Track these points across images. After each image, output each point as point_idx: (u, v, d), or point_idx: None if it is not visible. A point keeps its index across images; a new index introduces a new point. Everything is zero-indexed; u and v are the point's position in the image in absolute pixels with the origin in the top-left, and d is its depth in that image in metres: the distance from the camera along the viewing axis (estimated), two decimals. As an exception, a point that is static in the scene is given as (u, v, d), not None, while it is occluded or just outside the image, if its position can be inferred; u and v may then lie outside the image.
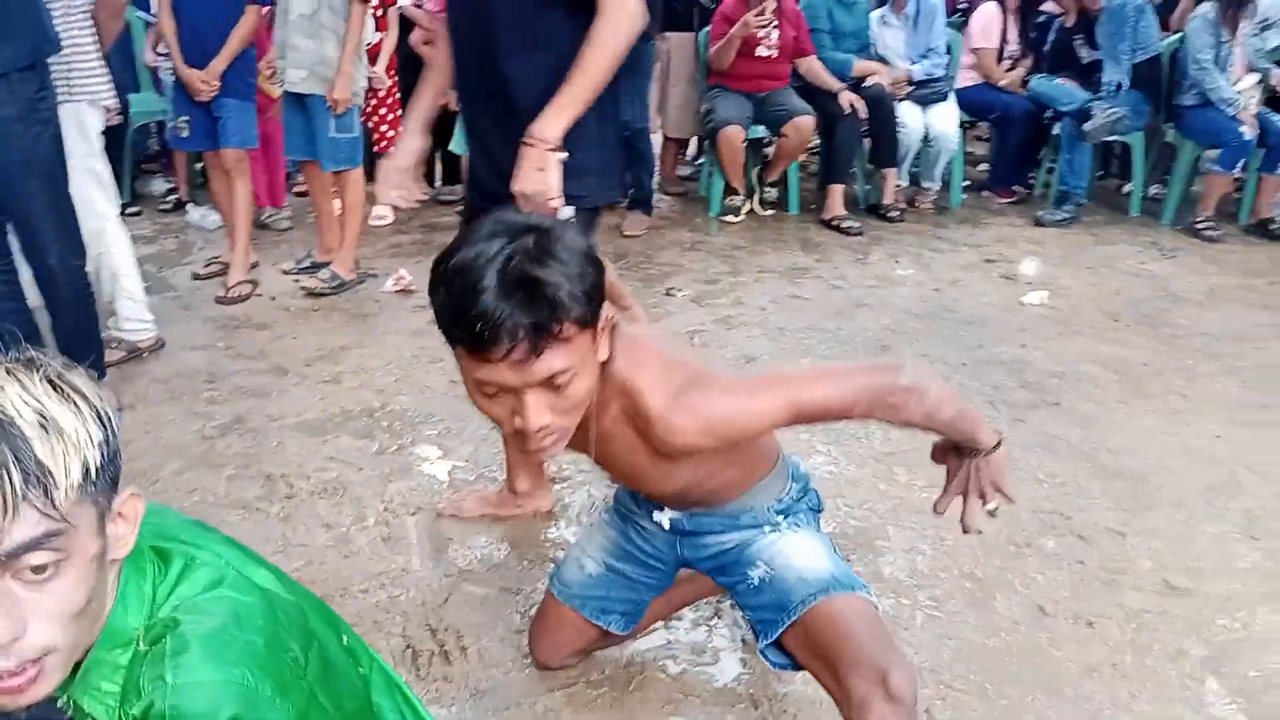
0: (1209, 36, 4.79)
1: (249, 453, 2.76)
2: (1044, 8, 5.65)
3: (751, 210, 5.20)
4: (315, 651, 1.07)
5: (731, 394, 1.32)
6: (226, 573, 1.05)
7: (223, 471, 2.66)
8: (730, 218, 5.06)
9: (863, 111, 4.99)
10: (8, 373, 0.87)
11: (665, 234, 4.86)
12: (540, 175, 1.84)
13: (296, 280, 4.05)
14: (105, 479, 0.89)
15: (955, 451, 1.50)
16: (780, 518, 1.59)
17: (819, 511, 1.68)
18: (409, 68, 4.80)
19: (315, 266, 4.04)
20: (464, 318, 1.12)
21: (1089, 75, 5.20)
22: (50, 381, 0.88)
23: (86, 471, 0.86)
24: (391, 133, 4.76)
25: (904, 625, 2.10)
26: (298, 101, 3.77)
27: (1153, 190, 5.51)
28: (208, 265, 4.16)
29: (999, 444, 1.46)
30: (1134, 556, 2.38)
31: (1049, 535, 2.46)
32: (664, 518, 1.65)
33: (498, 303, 1.11)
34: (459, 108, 2.18)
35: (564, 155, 1.86)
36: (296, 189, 5.31)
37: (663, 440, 1.32)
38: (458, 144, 4.55)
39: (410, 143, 2.18)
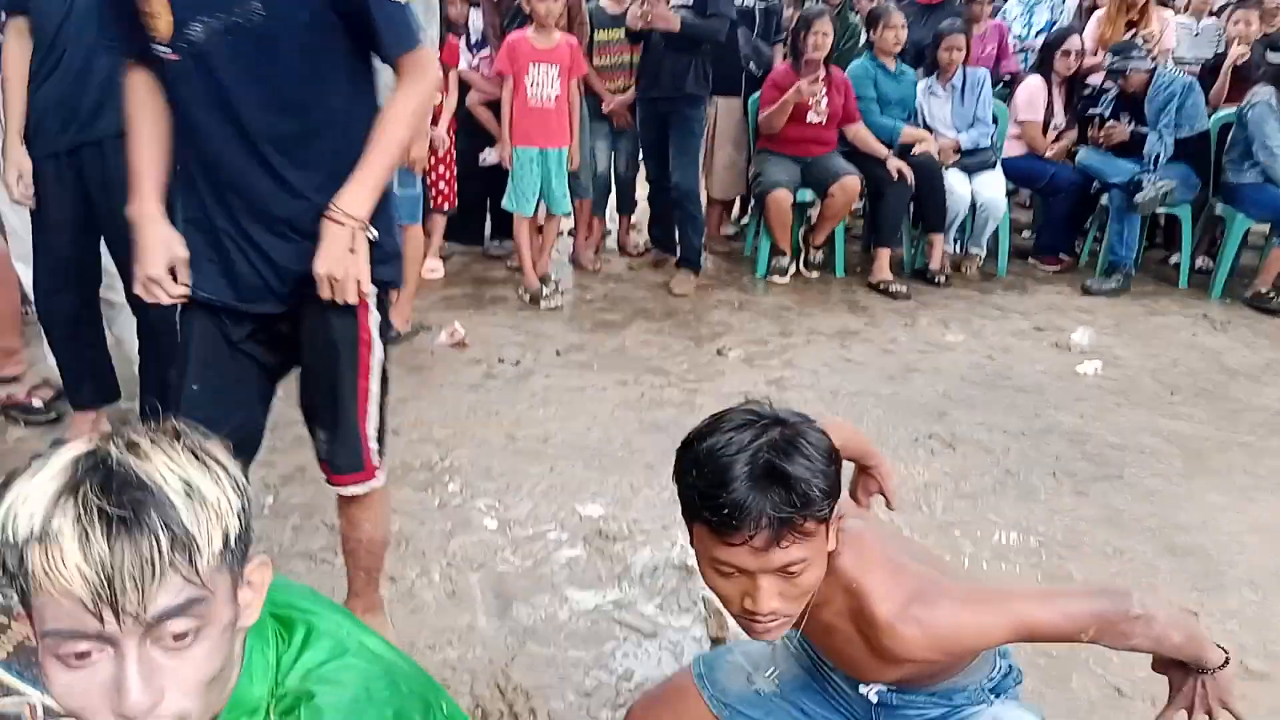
0: (1274, 121, 4.82)
1: (312, 503, 2.77)
2: (1090, 80, 5.70)
3: (798, 272, 5.22)
4: None
5: (960, 609, 1.32)
6: (349, 642, 1.05)
7: (288, 521, 2.67)
8: (777, 278, 5.08)
9: (910, 178, 5.04)
10: (153, 442, 0.89)
11: (713, 293, 4.89)
12: (351, 257, 1.71)
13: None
14: (241, 546, 0.91)
15: (1179, 666, 1.44)
16: (992, 695, 1.53)
17: (1019, 684, 1.60)
18: (464, 129, 4.91)
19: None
20: (713, 502, 1.17)
21: (1133, 149, 5.23)
22: (193, 451, 0.90)
23: (227, 539, 0.88)
24: (447, 189, 4.84)
25: (980, 702, 2.06)
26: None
27: (1199, 262, 5.50)
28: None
29: (1226, 661, 1.41)
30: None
31: (1121, 612, 2.41)
32: (870, 692, 1.52)
33: (748, 492, 1.16)
34: (181, 197, 1.82)
35: (374, 234, 1.75)
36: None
37: (886, 647, 1.32)
38: (509, 201, 4.61)
39: (163, 230, 1.77)
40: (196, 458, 0.89)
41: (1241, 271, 5.17)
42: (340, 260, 1.70)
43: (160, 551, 0.82)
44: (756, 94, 5.24)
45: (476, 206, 5.24)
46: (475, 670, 2.12)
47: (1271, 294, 4.94)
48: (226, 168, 1.74)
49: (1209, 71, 5.59)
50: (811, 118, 5.04)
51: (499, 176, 4.86)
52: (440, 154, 4.67)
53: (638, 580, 2.48)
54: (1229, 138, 5.10)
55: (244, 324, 1.85)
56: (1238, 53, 5.39)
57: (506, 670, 2.13)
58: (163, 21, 1.65)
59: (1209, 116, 5.22)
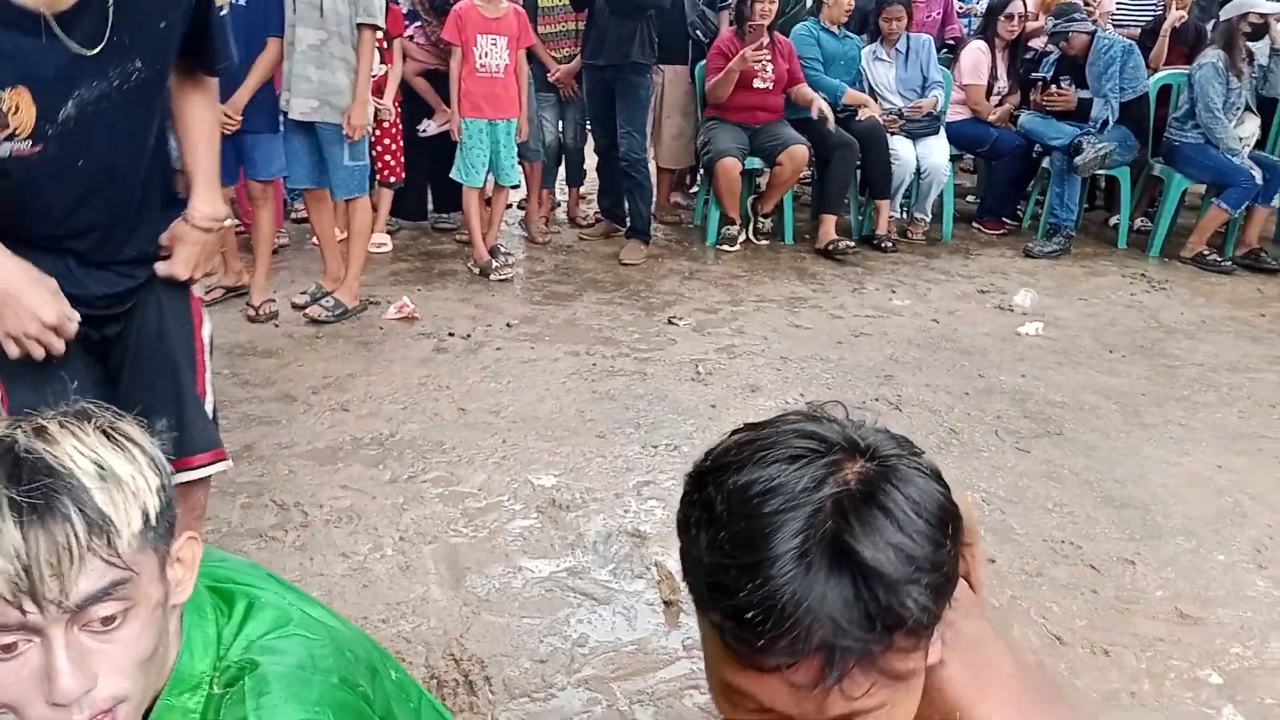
0: (1219, 84, 4.92)
1: (260, 481, 2.75)
2: (1032, 44, 5.77)
3: (747, 240, 5.25)
4: (379, 687, 1.08)
5: None
6: (293, 612, 1.06)
7: (236, 500, 2.65)
8: (727, 247, 5.10)
9: (833, 125, 5.07)
10: (61, 425, 0.87)
11: (664, 263, 4.90)
12: (216, 260, 1.85)
13: (300, 309, 4.04)
14: (164, 524, 0.90)
15: None
16: None
17: None
18: (405, 99, 4.85)
19: (325, 295, 4.04)
20: (733, 594, 0.70)
21: (1074, 113, 5.31)
22: (104, 431, 0.89)
23: (146, 518, 0.87)
24: (394, 162, 4.78)
25: (926, 654, 2.12)
26: (304, 131, 3.79)
27: (1137, 223, 5.62)
28: (210, 291, 4.15)
29: None
30: (1146, 585, 2.41)
31: (1061, 564, 2.49)
32: None
33: (796, 587, 0.69)
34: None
35: (239, 225, 1.88)
36: (295, 216, 5.32)
37: None
38: (457, 172, 4.57)
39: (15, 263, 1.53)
40: (108, 438, 0.88)
41: (1179, 231, 5.30)
42: (206, 261, 1.79)
43: (76, 536, 0.81)
44: (703, 62, 5.23)
45: (418, 179, 5.18)
46: (430, 642, 2.13)
47: (1208, 253, 5.08)
48: (68, 232, 1.62)
49: (1148, 34, 5.69)
50: (758, 84, 5.05)
51: (440, 149, 4.81)
52: (386, 126, 4.62)
53: (591, 548, 2.50)
54: (1177, 98, 5.20)
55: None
56: (1176, 16, 5.49)
57: (461, 640, 2.14)
58: (25, 115, 1.46)
59: (1148, 79, 5.31)
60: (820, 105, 5.06)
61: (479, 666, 2.05)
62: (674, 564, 2.29)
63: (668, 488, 2.78)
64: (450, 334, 3.89)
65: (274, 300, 4.05)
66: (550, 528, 2.58)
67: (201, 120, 1.79)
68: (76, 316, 1.58)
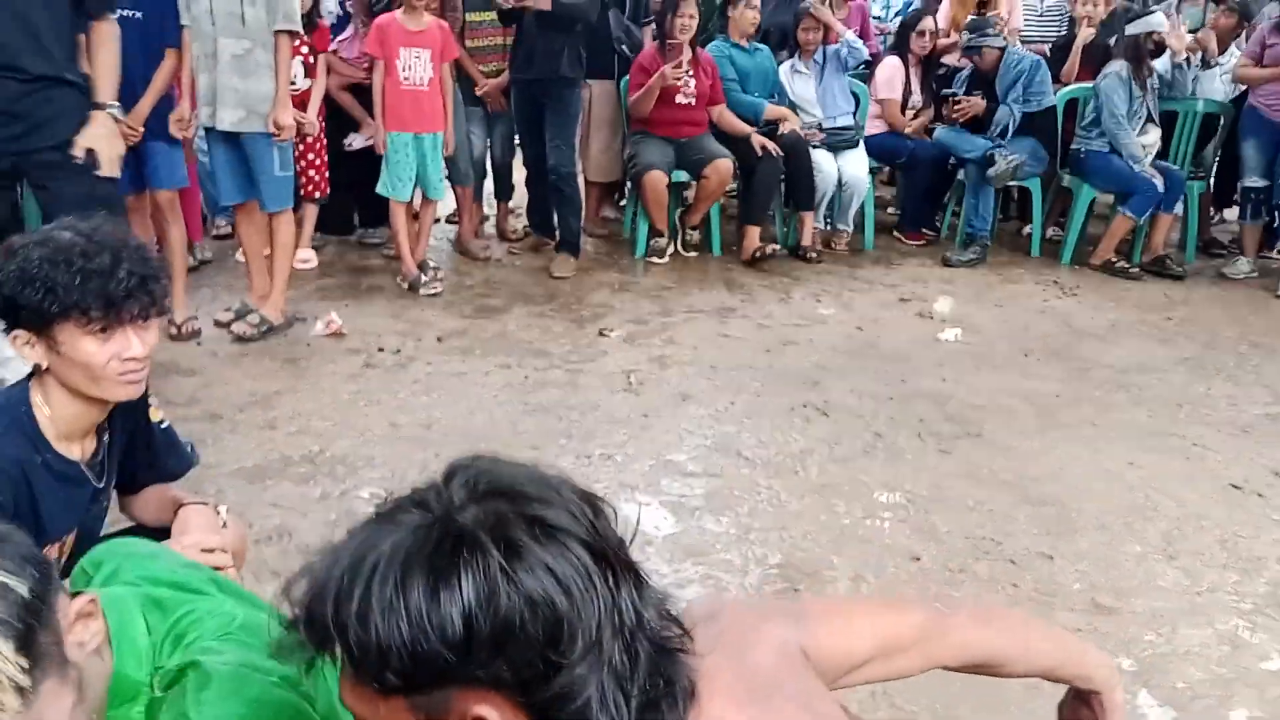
0: (1123, 93, 5.14)
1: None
2: (944, 60, 5.96)
3: (676, 252, 5.31)
4: (321, 686, 1.08)
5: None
6: (235, 613, 1.06)
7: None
8: (656, 259, 5.15)
9: (775, 152, 5.17)
10: None
11: (594, 275, 4.93)
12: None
13: (224, 325, 3.96)
14: (42, 643, 0.86)
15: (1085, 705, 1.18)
16: None
17: None
18: (330, 114, 4.81)
19: (250, 312, 3.97)
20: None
21: (986, 125, 5.50)
22: None
23: (19, 690, 0.83)
24: (318, 177, 4.73)
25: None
26: (230, 144, 3.73)
27: (1049, 232, 5.83)
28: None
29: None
30: (1063, 579, 2.51)
31: (982, 560, 2.58)
32: None
33: None
34: None
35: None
36: (216, 233, 5.22)
37: None
38: (384, 186, 4.54)
39: None
40: None
41: (1090, 240, 5.51)
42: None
43: None
44: (627, 77, 5.29)
45: (343, 194, 5.12)
46: (365, 657, 2.11)
47: (1116, 260, 5.29)
48: None
49: (1057, 50, 5.91)
50: (681, 100, 5.12)
51: (365, 163, 4.77)
52: (310, 141, 4.57)
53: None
54: (1086, 108, 5.42)
55: None
56: (1087, 34, 5.71)
57: (397, 655, 2.13)
58: None
59: (1056, 93, 5.52)
60: (763, 141, 5.14)
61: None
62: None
63: (603, 496, 2.79)
64: (380, 349, 3.86)
65: (196, 318, 3.97)
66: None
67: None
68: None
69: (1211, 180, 5.80)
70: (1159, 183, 5.12)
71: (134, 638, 1.01)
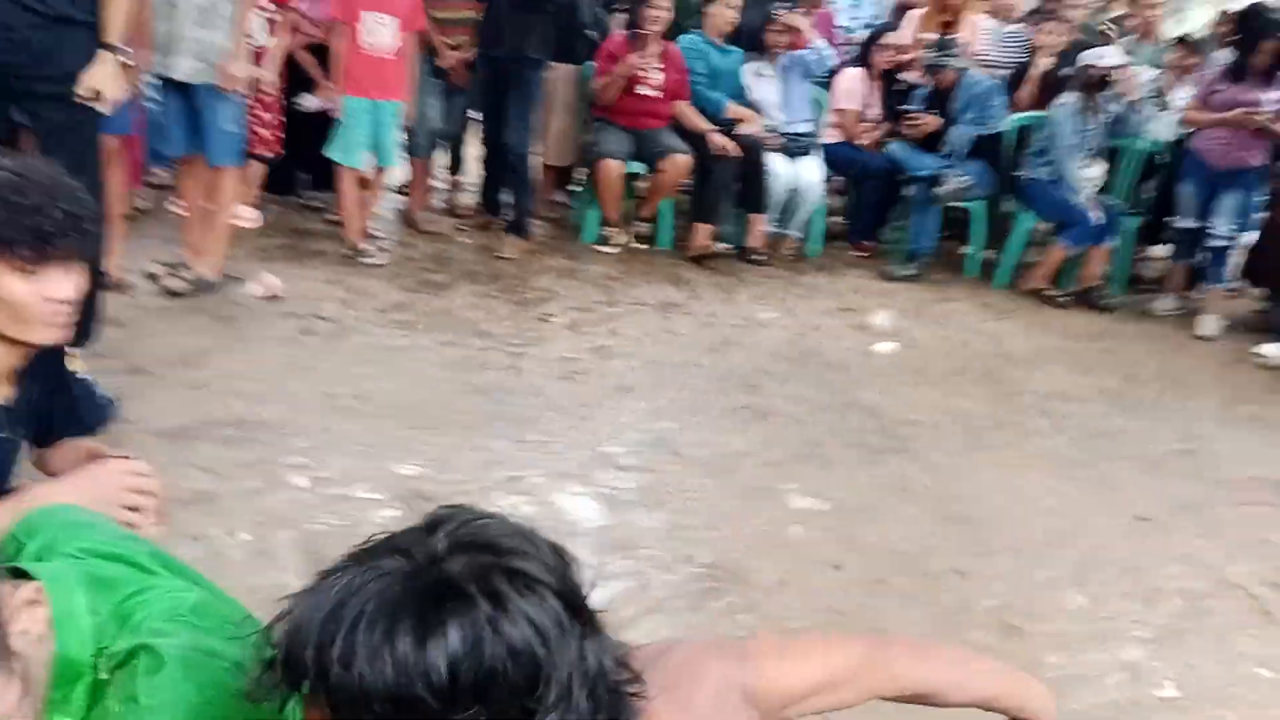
0: (1074, 122, 5.26)
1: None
2: (901, 76, 6.04)
3: (625, 243, 5.30)
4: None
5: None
6: (187, 593, 1.04)
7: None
8: (604, 248, 5.15)
9: (734, 152, 5.20)
10: None
11: (540, 259, 4.90)
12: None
13: (157, 278, 3.85)
14: None
15: None
16: None
17: None
18: (288, 72, 4.69)
19: (184, 267, 3.86)
20: None
21: (938, 144, 5.60)
22: None
23: None
24: (270, 135, 4.60)
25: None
26: (181, 94, 3.62)
27: (988, 255, 5.95)
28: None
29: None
30: (976, 598, 2.58)
31: (903, 574, 2.64)
32: None
33: None
34: None
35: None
36: (151, 181, 5.05)
37: None
38: (335, 152, 4.45)
39: None
40: None
41: (1027, 265, 5.65)
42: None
43: None
44: (591, 62, 5.26)
45: (291, 154, 5.00)
46: (284, 630, 2.09)
47: (1045, 287, 5.42)
48: None
49: (1016, 76, 6.03)
50: (645, 91, 5.11)
51: (316, 124, 4.67)
52: (266, 99, 4.44)
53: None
54: (1033, 135, 5.54)
55: None
56: (1047, 63, 5.83)
57: (317, 630, 2.10)
58: None
59: (1007, 118, 5.64)
60: (723, 142, 5.14)
61: (334, 657, 2.03)
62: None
63: (536, 483, 2.80)
64: (318, 316, 3.79)
65: (127, 268, 3.84)
66: (414, 519, 2.55)
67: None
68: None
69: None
70: (1098, 216, 5.27)
71: (77, 618, 0.97)
